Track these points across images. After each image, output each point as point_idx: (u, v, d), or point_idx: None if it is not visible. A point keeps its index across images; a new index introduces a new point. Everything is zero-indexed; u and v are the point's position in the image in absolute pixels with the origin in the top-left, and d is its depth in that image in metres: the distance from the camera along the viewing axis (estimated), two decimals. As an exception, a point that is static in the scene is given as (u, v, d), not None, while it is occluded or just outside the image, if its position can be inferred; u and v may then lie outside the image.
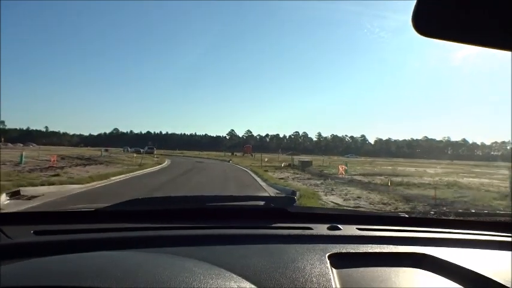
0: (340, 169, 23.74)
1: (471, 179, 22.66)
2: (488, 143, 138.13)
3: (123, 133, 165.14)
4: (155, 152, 53.45)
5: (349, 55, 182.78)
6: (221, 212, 1.68)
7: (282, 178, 19.52)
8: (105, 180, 14.62)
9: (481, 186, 18.00)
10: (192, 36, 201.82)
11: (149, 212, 1.60)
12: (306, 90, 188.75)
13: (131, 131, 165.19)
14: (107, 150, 55.99)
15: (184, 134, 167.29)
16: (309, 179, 19.66)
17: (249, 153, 71.87)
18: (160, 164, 31.03)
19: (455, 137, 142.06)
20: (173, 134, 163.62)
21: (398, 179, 19.54)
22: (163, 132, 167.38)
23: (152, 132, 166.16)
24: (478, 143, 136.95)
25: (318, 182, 17.43)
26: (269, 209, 1.78)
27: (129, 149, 62.00)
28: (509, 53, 0.76)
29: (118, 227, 1.38)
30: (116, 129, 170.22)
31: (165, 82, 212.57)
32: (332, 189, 14.37)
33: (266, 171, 24.82)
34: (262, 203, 1.87)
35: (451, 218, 1.80)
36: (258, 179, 18.86)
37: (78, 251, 1.06)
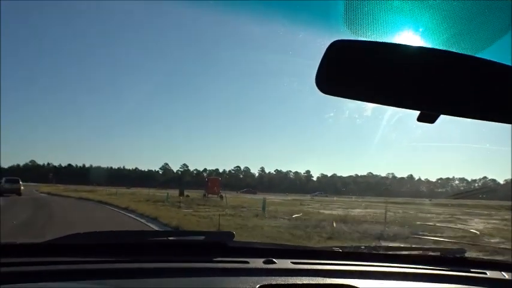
0: None
1: None
2: (433, 179, 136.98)
3: (39, 165, 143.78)
4: (22, 188, 31.98)
5: (286, 101, 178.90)
6: (162, 246, 1.68)
7: None
8: None
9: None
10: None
11: (91, 246, 1.56)
12: (247, 126, 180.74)
13: (49, 163, 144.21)
14: None
15: (111, 167, 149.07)
16: None
17: (216, 193, 37.20)
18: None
19: (401, 173, 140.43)
20: (99, 168, 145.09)
21: None
22: (87, 165, 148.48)
23: (74, 165, 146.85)
24: (423, 179, 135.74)
25: None
26: (209, 243, 1.76)
27: None
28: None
29: (61, 260, 1.39)
30: (32, 161, 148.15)
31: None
32: None
33: None
34: (202, 237, 1.84)
35: (380, 252, 1.84)
36: None
37: (25, 282, 1.19)
